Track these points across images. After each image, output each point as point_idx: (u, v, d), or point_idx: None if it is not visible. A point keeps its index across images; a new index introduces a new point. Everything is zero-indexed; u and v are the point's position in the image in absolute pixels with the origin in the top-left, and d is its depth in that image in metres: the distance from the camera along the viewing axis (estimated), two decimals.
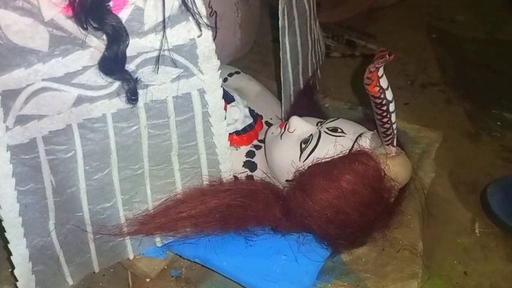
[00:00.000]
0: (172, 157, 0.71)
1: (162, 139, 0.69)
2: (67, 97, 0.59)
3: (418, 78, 1.31)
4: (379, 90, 0.61)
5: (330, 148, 0.70)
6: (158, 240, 0.76)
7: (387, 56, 0.56)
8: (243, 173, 0.79)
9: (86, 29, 0.55)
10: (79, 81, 0.59)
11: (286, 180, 0.74)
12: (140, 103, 0.64)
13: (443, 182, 0.97)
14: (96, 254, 0.72)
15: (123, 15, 0.57)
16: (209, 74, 0.67)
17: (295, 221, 0.70)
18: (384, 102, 0.62)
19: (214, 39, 0.65)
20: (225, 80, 0.95)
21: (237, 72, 0.98)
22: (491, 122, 1.15)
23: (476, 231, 0.87)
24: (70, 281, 0.72)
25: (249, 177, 0.79)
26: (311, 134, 0.74)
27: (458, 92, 1.24)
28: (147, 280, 0.76)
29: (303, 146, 0.73)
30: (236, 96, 0.83)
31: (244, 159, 0.80)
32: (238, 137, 0.80)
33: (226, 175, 0.76)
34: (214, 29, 1.04)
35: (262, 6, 1.32)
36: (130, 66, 0.60)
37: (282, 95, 0.88)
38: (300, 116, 0.77)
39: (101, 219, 0.70)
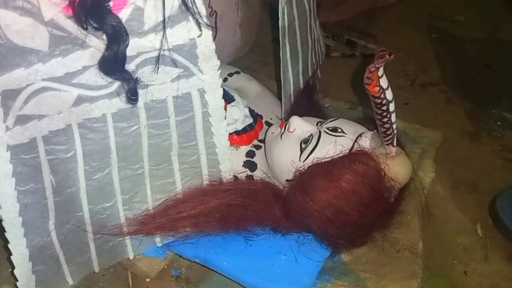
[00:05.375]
0: (172, 157, 0.71)
1: (162, 139, 0.69)
2: (67, 97, 0.59)
3: (418, 78, 1.31)
4: (379, 90, 0.61)
5: (330, 148, 0.70)
6: (158, 240, 0.76)
7: (387, 56, 0.56)
8: (243, 173, 0.79)
9: (86, 28, 0.55)
10: (79, 81, 0.59)
11: (286, 180, 0.74)
12: (140, 103, 0.64)
13: (443, 182, 0.97)
14: (96, 254, 0.72)
15: (123, 15, 0.57)
16: (209, 74, 0.67)
17: (295, 221, 0.70)
18: (384, 102, 0.62)
19: (214, 39, 0.65)
20: (225, 80, 0.95)
21: (237, 72, 0.98)
22: (491, 122, 1.15)
23: (479, 232, 0.87)
24: (70, 281, 0.72)
25: (249, 177, 0.79)
26: (311, 134, 0.74)
27: (458, 92, 1.25)
28: (147, 280, 0.76)
29: (303, 145, 0.73)
30: (236, 96, 0.83)
31: (244, 159, 0.80)
32: (238, 137, 0.80)
33: (226, 175, 0.76)
34: (214, 29, 1.04)
35: (262, 6, 1.32)
36: (130, 66, 0.60)
37: (282, 95, 0.88)
38: (300, 116, 0.77)
39: (101, 219, 0.70)
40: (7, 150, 0.57)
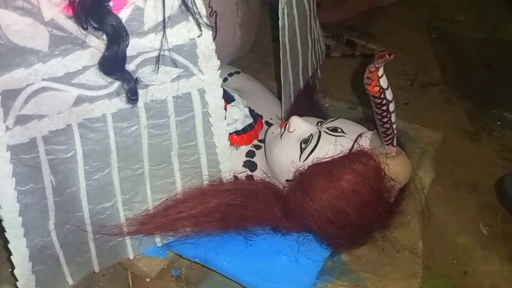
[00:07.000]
0: (172, 157, 0.71)
1: (162, 139, 0.69)
2: (67, 97, 0.59)
3: (418, 78, 1.31)
4: (379, 90, 0.61)
5: (330, 148, 0.70)
6: (158, 240, 0.76)
7: (387, 55, 0.56)
8: (243, 172, 0.79)
9: (86, 29, 0.55)
10: (79, 81, 0.59)
11: (286, 180, 0.74)
12: (140, 103, 0.64)
13: (443, 182, 0.97)
14: (96, 254, 0.72)
15: (123, 15, 0.57)
16: (209, 74, 0.67)
17: (295, 221, 0.70)
18: (384, 102, 0.62)
19: (214, 39, 0.65)
20: (225, 80, 0.95)
21: (237, 72, 0.98)
22: (491, 122, 1.15)
23: (484, 231, 0.87)
24: (70, 281, 0.72)
25: (249, 177, 0.79)
26: (311, 134, 0.74)
27: (458, 92, 1.25)
28: (147, 280, 0.76)
29: (303, 145, 0.73)
30: (236, 96, 0.83)
31: (244, 159, 0.80)
32: (238, 136, 0.80)
33: (226, 175, 0.76)
34: (214, 29, 1.04)
35: (262, 6, 1.32)
36: (130, 66, 0.60)
37: (282, 95, 0.88)
38: (300, 116, 0.77)
39: (101, 219, 0.70)
40: (7, 150, 0.57)
